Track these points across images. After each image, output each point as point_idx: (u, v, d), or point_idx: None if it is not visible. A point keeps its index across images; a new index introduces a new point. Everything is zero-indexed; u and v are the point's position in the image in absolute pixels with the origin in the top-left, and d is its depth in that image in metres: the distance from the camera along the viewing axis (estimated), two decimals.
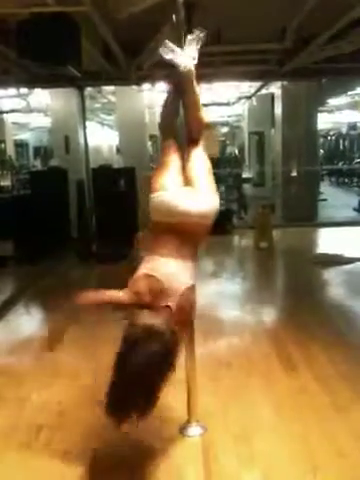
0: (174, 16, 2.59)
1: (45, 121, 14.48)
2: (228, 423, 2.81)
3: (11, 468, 2.51)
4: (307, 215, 9.85)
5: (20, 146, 20.19)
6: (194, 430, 2.71)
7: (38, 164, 17.95)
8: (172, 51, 2.44)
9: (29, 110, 12.68)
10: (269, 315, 5.03)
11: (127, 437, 2.70)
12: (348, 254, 6.91)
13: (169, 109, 2.62)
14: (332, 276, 6.27)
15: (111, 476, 2.41)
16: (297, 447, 2.58)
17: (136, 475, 2.40)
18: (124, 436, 2.71)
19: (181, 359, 2.54)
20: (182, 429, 2.72)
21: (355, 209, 11.58)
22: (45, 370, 3.67)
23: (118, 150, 10.75)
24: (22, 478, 2.43)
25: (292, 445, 2.58)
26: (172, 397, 2.94)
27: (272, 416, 2.53)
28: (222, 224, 9.11)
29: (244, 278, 6.48)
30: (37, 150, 20.30)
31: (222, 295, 5.62)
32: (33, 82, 7.65)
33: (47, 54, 4.68)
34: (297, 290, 5.78)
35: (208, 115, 15.07)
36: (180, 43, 2.48)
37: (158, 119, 2.70)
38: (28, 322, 5.12)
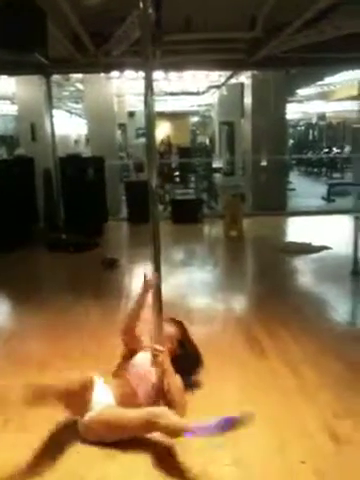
0: (141, 2, 2.56)
1: (11, 109, 14.18)
2: (199, 405, 2.84)
3: None
4: (276, 204, 9.95)
5: None
6: None
7: (3, 153, 17.58)
8: None
9: None
10: (239, 303, 5.08)
11: None
12: (316, 242, 7.02)
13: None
14: (301, 264, 6.36)
15: (80, 464, 2.41)
16: (265, 426, 2.63)
17: (112, 461, 2.40)
18: None
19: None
20: None
21: (323, 198, 11.76)
22: (12, 359, 3.62)
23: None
24: None
25: (260, 424, 2.59)
26: None
27: (240, 397, 2.58)
28: (192, 213, 9.13)
29: (214, 266, 6.51)
30: (2, 138, 19.86)
31: (192, 284, 5.64)
32: None
33: (13, 41, 4.57)
34: (267, 278, 5.84)
35: (178, 105, 14.95)
36: (147, 29, 2.44)
37: None
38: None
